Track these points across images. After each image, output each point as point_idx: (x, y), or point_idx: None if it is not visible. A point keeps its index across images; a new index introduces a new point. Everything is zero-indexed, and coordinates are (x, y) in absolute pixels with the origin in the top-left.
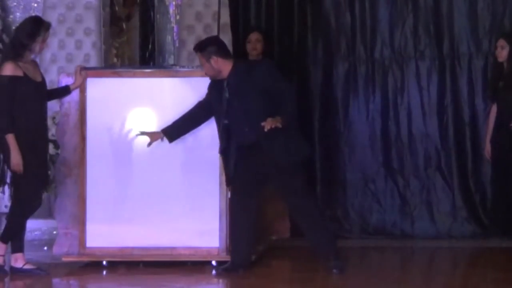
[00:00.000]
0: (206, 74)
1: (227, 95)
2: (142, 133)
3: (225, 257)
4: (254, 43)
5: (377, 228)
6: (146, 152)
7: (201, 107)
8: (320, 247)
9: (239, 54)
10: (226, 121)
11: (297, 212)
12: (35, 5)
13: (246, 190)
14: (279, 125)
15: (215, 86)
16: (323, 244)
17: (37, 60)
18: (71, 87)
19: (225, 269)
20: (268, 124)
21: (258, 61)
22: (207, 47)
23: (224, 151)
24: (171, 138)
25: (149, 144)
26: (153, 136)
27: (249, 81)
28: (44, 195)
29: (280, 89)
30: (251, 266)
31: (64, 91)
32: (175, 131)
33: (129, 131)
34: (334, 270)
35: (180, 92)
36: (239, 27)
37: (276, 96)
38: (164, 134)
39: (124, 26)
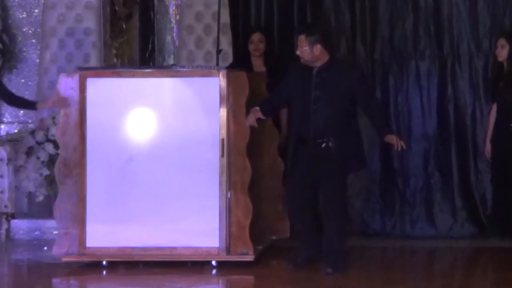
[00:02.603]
0: (301, 57)
1: (314, 83)
2: (248, 120)
3: (225, 257)
4: (257, 43)
5: (377, 228)
6: (146, 152)
7: (284, 91)
8: (332, 249)
9: (239, 54)
10: (315, 106)
11: (328, 207)
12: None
13: (305, 182)
14: (405, 147)
15: (300, 72)
16: (336, 247)
17: (37, 60)
18: (38, 106)
19: (296, 260)
20: (397, 144)
21: (354, 66)
22: (316, 33)
23: (295, 136)
24: (266, 114)
25: (256, 123)
26: (252, 116)
27: (340, 79)
28: (44, 195)
29: (369, 102)
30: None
31: (28, 104)
32: (268, 108)
33: (129, 131)
34: (328, 270)
35: (180, 92)
36: (239, 27)
37: (359, 104)
38: (260, 109)
39: (124, 26)
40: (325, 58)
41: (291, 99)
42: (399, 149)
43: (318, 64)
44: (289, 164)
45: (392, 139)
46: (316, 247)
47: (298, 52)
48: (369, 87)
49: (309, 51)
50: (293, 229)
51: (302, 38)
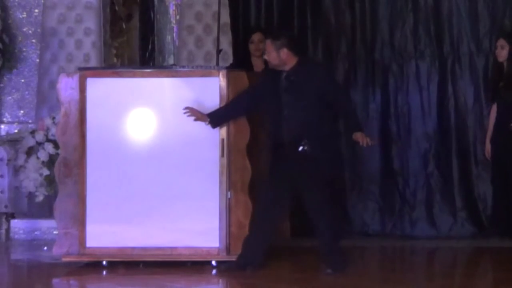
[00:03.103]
0: (268, 61)
1: (283, 87)
2: (190, 109)
3: (225, 257)
4: (257, 44)
5: (377, 228)
6: (146, 152)
7: (251, 96)
8: (327, 250)
9: (239, 54)
10: (286, 111)
11: (315, 211)
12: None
13: (282, 187)
14: (374, 143)
15: (271, 77)
16: (332, 248)
17: (37, 60)
18: None
19: (229, 267)
20: (363, 141)
21: (322, 65)
22: (281, 37)
23: (273, 143)
24: (215, 124)
25: (195, 119)
26: (199, 116)
27: (308, 80)
28: (44, 195)
29: (341, 100)
30: (261, 266)
31: None
32: (219, 118)
33: (129, 131)
34: (328, 270)
35: (180, 92)
36: (239, 27)
37: (331, 103)
38: (210, 119)
39: (124, 26)
40: (292, 61)
41: (263, 106)
42: (365, 145)
43: (287, 68)
44: (269, 169)
45: (357, 136)
46: (256, 254)
47: (265, 57)
48: (337, 85)
49: (276, 55)
50: (293, 229)
51: (268, 43)
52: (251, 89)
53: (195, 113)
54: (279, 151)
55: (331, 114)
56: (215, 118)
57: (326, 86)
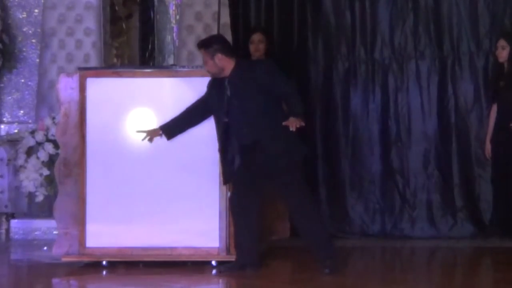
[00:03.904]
0: (208, 71)
1: (228, 93)
2: (140, 132)
3: (225, 257)
4: (257, 44)
5: (377, 228)
6: (146, 152)
7: (200, 105)
8: (316, 247)
9: (240, 54)
10: (226, 120)
11: (295, 212)
12: (35, 5)
13: (246, 189)
14: (303, 124)
15: (216, 84)
16: (319, 244)
17: (37, 60)
18: None
19: (229, 268)
20: (292, 125)
21: (259, 61)
22: (212, 44)
23: (222, 150)
24: (169, 136)
25: (150, 140)
26: (152, 133)
27: (250, 80)
28: (44, 195)
29: (283, 89)
30: (259, 266)
31: None
32: (173, 129)
33: (129, 131)
34: (326, 270)
35: (180, 92)
36: (239, 27)
37: (278, 96)
38: (162, 131)
39: (124, 26)
40: (230, 65)
41: (207, 116)
42: (294, 128)
43: (227, 72)
44: (232, 177)
45: (287, 122)
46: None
47: (205, 68)
48: (275, 75)
49: (212, 63)
50: (293, 229)
51: (202, 53)
52: (200, 99)
53: (147, 134)
54: (237, 156)
55: (279, 105)
56: (168, 130)
57: (266, 80)
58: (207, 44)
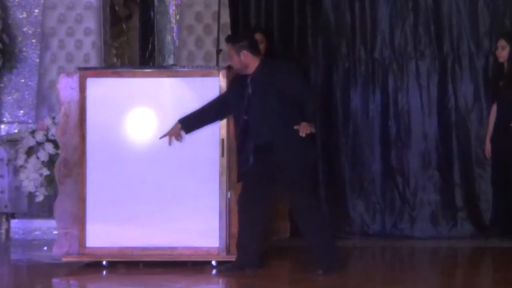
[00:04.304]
0: (232, 66)
1: (249, 91)
2: (163, 137)
3: (225, 257)
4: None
5: (377, 228)
6: (146, 152)
7: (221, 101)
8: (318, 250)
9: None
10: (245, 117)
11: (299, 213)
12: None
13: (255, 190)
14: (313, 131)
15: (238, 81)
16: (322, 248)
17: (37, 60)
18: None
19: (229, 268)
20: (303, 130)
21: (283, 63)
22: (240, 40)
23: (240, 147)
24: (188, 130)
25: (176, 139)
26: (172, 132)
27: (272, 80)
28: (44, 195)
29: (301, 94)
30: (259, 266)
31: None
32: (192, 123)
33: (129, 131)
34: (320, 271)
35: (180, 92)
36: (239, 27)
37: (296, 99)
38: (181, 125)
39: (124, 26)
40: (255, 63)
41: (232, 112)
42: (304, 134)
43: (251, 70)
44: (244, 176)
45: (298, 126)
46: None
47: (228, 62)
48: (299, 79)
49: (238, 59)
50: (293, 229)
51: (229, 48)
52: (221, 96)
53: (168, 134)
54: (246, 158)
55: (298, 109)
56: (187, 124)
57: (286, 83)
58: (235, 40)
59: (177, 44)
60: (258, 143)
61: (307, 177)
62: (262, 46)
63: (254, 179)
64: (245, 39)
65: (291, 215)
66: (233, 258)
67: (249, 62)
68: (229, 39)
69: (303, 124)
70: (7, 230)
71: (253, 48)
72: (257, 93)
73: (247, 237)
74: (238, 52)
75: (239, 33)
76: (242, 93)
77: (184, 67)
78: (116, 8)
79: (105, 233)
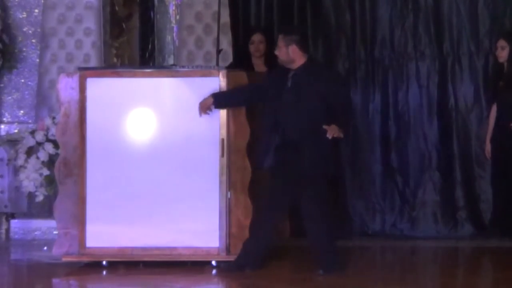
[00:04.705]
0: (278, 57)
1: (288, 85)
2: (200, 108)
3: (225, 257)
4: (257, 44)
5: (377, 228)
6: (146, 152)
7: (256, 88)
8: (319, 250)
9: (239, 54)
10: (278, 110)
11: (309, 218)
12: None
13: (278, 194)
14: (341, 136)
15: (279, 73)
16: (323, 248)
17: (37, 60)
18: None
19: (229, 267)
20: (331, 133)
21: (329, 68)
22: (292, 34)
23: (265, 139)
24: (218, 105)
25: (206, 111)
26: (203, 103)
27: (313, 81)
28: (44, 195)
29: (340, 101)
30: (260, 267)
31: None
32: (222, 99)
33: (129, 131)
34: (320, 271)
35: (180, 92)
36: (239, 27)
37: (334, 108)
38: (213, 98)
39: (124, 26)
40: (301, 60)
41: (263, 100)
42: (331, 136)
43: (295, 66)
44: (269, 171)
45: (328, 127)
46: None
47: (276, 52)
48: (340, 89)
49: (285, 51)
50: (293, 229)
51: (280, 38)
52: (259, 84)
53: (200, 105)
54: (277, 153)
55: (331, 116)
56: (217, 98)
57: (329, 89)
58: (287, 32)
59: (177, 44)
60: (284, 139)
61: (324, 184)
62: (262, 47)
63: (281, 179)
64: (297, 34)
65: (291, 215)
66: (233, 258)
67: (296, 57)
68: (281, 30)
69: (333, 126)
70: (7, 230)
71: (303, 45)
72: (295, 89)
73: (260, 239)
74: (287, 45)
75: (293, 27)
76: (280, 85)
77: (184, 67)
78: (116, 8)
79: (105, 233)
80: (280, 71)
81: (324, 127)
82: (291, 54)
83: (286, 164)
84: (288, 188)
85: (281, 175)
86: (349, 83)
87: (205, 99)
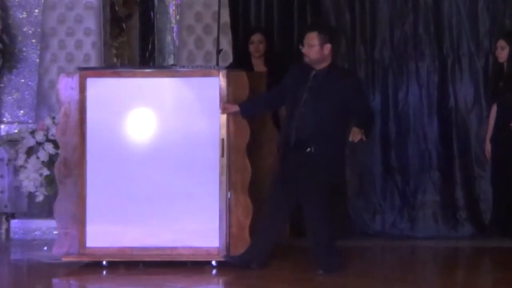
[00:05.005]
0: (307, 56)
1: (309, 84)
2: (226, 106)
3: (225, 257)
4: (257, 44)
5: (377, 228)
6: (146, 152)
7: (278, 92)
8: (319, 251)
9: (239, 54)
10: (298, 108)
11: (308, 216)
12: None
13: (284, 192)
14: (364, 138)
15: (299, 71)
16: (323, 248)
17: (37, 60)
18: None
19: (235, 260)
20: (354, 136)
21: (352, 74)
22: (328, 33)
23: (283, 132)
24: (245, 112)
25: (225, 111)
26: (229, 106)
27: (335, 86)
28: (44, 195)
29: (363, 111)
30: (264, 266)
31: None
32: (250, 107)
33: (129, 131)
34: (320, 271)
35: (180, 92)
36: (239, 27)
37: (354, 114)
38: (239, 107)
39: (124, 26)
40: (328, 62)
41: (286, 100)
42: (355, 139)
43: (321, 66)
44: (277, 170)
45: (351, 129)
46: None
47: (304, 50)
48: (361, 96)
49: (318, 49)
50: (293, 229)
51: (314, 35)
52: (281, 84)
53: (226, 107)
54: (286, 151)
55: (346, 123)
56: (245, 107)
57: (350, 95)
58: (324, 30)
59: (177, 44)
60: (297, 136)
61: (327, 189)
62: (262, 47)
63: (288, 178)
64: (333, 33)
65: (291, 215)
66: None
67: (327, 57)
68: (317, 27)
69: (355, 129)
70: (7, 230)
71: (336, 46)
72: (315, 90)
73: (266, 235)
74: (323, 43)
75: (329, 25)
76: (301, 84)
77: (184, 67)
78: (116, 8)
79: (105, 233)
80: (303, 67)
81: (351, 131)
82: (325, 53)
83: (293, 165)
84: (292, 187)
85: (288, 173)
86: (367, 88)
87: (231, 105)
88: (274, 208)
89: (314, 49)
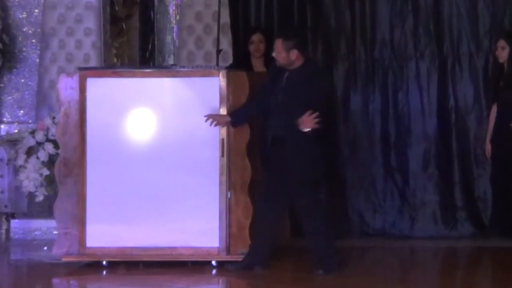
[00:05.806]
0: (277, 61)
1: (282, 84)
2: (210, 116)
3: (225, 257)
4: (257, 44)
5: (377, 228)
6: (146, 152)
7: (264, 94)
8: (318, 250)
9: (239, 54)
10: (272, 107)
11: (302, 215)
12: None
13: (273, 190)
14: (316, 126)
15: (275, 74)
16: (322, 248)
17: (37, 60)
18: None
19: (236, 266)
20: (304, 126)
21: (323, 71)
22: (293, 38)
23: (263, 133)
24: (236, 123)
25: (216, 125)
26: (221, 119)
27: (308, 82)
28: (44, 195)
29: (317, 95)
30: (268, 267)
31: None
32: (240, 116)
33: (129, 131)
34: (320, 271)
35: (180, 92)
36: (239, 27)
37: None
38: (230, 117)
39: (124, 26)
40: (299, 62)
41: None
42: (305, 130)
43: (292, 67)
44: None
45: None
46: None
47: (273, 55)
48: (323, 95)
49: (285, 55)
50: (293, 229)
51: (279, 43)
52: (262, 87)
53: (216, 118)
54: (265, 151)
55: (326, 121)
56: (235, 116)
57: (318, 92)
58: (288, 37)
59: (177, 44)
60: (274, 133)
61: (311, 186)
62: (262, 46)
63: (271, 179)
64: (297, 38)
65: (291, 215)
66: (233, 258)
67: (296, 60)
68: (281, 35)
69: (304, 117)
70: (7, 230)
71: (303, 47)
72: (288, 89)
73: (260, 237)
74: (288, 50)
75: (292, 30)
76: (276, 83)
77: (184, 67)
78: (116, 8)
79: (105, 233)
80: (279, 68)
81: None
82: (292, 58)
83: (273, 164)
84: (279, 187)
85: (272, 174)
86: (334, 77)
87: (221, 116)
88: (264, 209)
89: (281, 55)
